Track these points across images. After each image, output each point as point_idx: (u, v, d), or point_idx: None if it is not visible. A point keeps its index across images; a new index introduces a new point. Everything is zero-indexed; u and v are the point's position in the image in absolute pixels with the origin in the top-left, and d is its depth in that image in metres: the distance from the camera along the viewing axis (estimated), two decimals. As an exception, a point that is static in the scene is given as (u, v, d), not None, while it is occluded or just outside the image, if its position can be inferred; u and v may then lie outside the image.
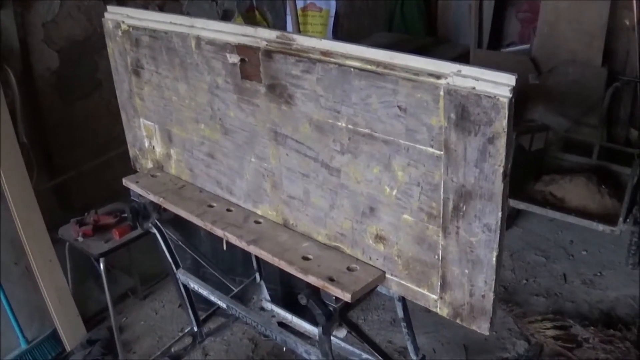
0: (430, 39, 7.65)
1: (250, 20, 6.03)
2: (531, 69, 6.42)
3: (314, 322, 2.73)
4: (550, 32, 6.57)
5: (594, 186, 5.13)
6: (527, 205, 5.01)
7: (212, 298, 3.33)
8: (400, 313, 3.09)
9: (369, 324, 4.52)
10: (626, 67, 6.39)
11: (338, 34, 6.69)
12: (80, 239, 4.10)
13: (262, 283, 3.83)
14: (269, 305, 3.79)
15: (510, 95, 1.73)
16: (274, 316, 3.72)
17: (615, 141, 6.34)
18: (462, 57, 6.96)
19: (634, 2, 6.07)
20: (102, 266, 4.02)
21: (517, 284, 4.95)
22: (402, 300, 3.01)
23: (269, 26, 6.21)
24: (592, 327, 4.33)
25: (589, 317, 4.54)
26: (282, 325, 3.53)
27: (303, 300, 2.37)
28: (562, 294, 4.83)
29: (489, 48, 7.43)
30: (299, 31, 5.78)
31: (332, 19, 6.49)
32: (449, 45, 7.58)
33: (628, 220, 4.70)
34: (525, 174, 5.36)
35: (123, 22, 2.91)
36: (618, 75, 6.20)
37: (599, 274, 5.06)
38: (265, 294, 3.84)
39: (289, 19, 6.15)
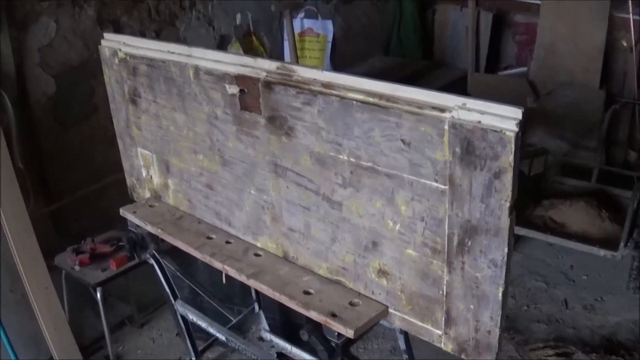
0: (428, 62, 7.63)
1: (247, 45, 6.02)
2: (529, 92, 6.43)
3: (314, 353, 2.68)
4: (548, 54, 6.57)
5: (594, 210, 5.09)
6: (528, 231, 4.97)
7: (211, 330, 3.29)
8: (403, 345, 3.04)
9: (369, 353, 4.49)
10: (624, 89, 6.39)
11: (335, 58, 6.67)
12: (77, 267, 4.08)
13: (261, 313, 3.78)
14: (268, 336, 3.74)
15: (517, 130, 1.70)
16: (273, 346, 3.67)
17: (614, 163, 6.32)
18: (460, 81, 6.96)
19: (631, 23, 6.07)
20: (99, 295, 3.99)
21: (518, 310, 4.91)
22: (405, 332, 2.97)
23: (265, 51, 6.19)
24: (594, 354, 4.30)
25: (591, 343, 4.50)
26: (282, 356, 3.49)
27: (305, 336, 2.34)
28: (564, 320, 4.80)
29: (486, 71, 7.43)
30: (296, 56, 5.77)
31: (330, 44, 6.47)
32: (446, 68, 7.56)
33: (629, 244, 4.66)
34: (525, 199, 5.32)
35: (120, 50, 2.87)
36: (616, 97, 6.19)
37: (600, 298, 5.03)
38: (264, 324, 3.79)
39: (286, 44, 6.13)
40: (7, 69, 4.37)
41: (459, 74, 7.20)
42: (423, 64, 7.43)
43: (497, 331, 1.97)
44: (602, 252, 4.73)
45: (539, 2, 6.65)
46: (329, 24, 6.50)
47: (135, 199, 3.30)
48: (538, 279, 5.29)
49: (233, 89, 2.40)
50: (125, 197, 3.33)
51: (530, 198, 5.38)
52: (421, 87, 1.93)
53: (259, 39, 6.18)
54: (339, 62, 6.83)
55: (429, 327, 2.17)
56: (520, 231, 5.03)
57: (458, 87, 6.76)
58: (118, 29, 5.07)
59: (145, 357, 4.61)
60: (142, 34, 5.27)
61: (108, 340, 4.24)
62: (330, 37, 6.49)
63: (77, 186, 4.83)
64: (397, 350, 4.08)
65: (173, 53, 2.65)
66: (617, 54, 6.36)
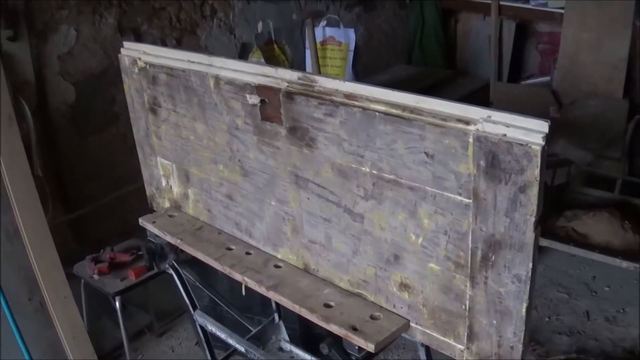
0: (450, 71, 7.61)
1: (268, 54, 6.00)
2: (552, 102, 6.37)
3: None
4: (571, 64, 6.53)
5: (617, 222, 5.03)
6: (550, 242, 4.92)
7: (231, 341, 3.26)
8: (423, 358, 3.01)
9: (389, 364, 4.47)
10: (647, 99, 6.34)
11: (357, 67, 6.65)
12: (95, 276, 4.08)
13: (281, 323, 3.75)
14: (288, 346, 3.71)
15: (543, 143, 1.67)
16: (292, 357, 3.64)
17: (638, 174, 6.26)
18: (482, 90, 6.94)
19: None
20: (117, 304, 3.98)
21: (540, 322, 4.86)
22: (426, 346, 2.94)
23: (287, 60, 6.18)
24: (616, 366, 4.26)
25: (613, 356, 4.46)
26: (300, 367, 3.47)
27: (325, 350, 2.32)
28: (585, 332, 4.76)
29: (508, 80, 7.40)
30: (318, 65, 5.75)
31: (352, 52, 6.45)
32: (469, 77, 7.55)
33: (652, 256, 4.62)
34: (548, 210, 5.28)
35: (139, 58, 2.86)
36: (639, 107, 6.13)
37: (622, 310, 4.98)
38: (284, 334, 3.76)
39: (308, 52, 6.12)
40: (27, 77, 4.37)
41: (482, 83, 7.19)
42: (445, 73, 7.42)
43: (520, 347, 1.94)
44: (624, 264, 4.67)
45: (562, 11, 6.61)
46: (351, 33, 6.49)
47: (155, 209, 3.28)
48: (560, 290, 5.24)
49: (254, 99, 2.37)
50: (145, 205, 3.32)
51: (553, 209, 5.33)
52: (444, 97, 1.89)
53: (281, 48, 6.16)
54: (361, 70, 6.82)
55: (450, 341, 2.13)
56: (543, 242, 4.98)
57: (480, 96, 6.74)
58: (139, 37, 5.07)
59: (164, 366, 4.59)
60: (163, 42, 5.27)
61: (126, 349, 4.23)
62: (352, 46, 6.47)
63: (96, 195, 4.83)
64: (417, 362, 4.06)
65: (193, 62, 2.63)
66: (641, 63, 6.31)
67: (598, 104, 6.13)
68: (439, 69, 7.65)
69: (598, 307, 5.03)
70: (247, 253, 2.72)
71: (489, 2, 7.07)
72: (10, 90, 3.96)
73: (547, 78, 7.15)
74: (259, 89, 2.35)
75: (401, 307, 2.24)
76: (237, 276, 2.60)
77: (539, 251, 1.81)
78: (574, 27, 6.51)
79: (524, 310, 1.87)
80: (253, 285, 2.54)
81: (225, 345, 3.82)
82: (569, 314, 4.97)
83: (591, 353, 4.47)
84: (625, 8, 6.14)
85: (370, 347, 2.15)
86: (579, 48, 6.44)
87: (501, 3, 7.08)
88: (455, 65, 8.00)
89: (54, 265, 4.02)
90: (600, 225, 5.02)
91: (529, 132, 1.69)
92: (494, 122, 1.75)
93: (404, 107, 1.94)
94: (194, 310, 3.36)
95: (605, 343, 4.63)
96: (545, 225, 5.14)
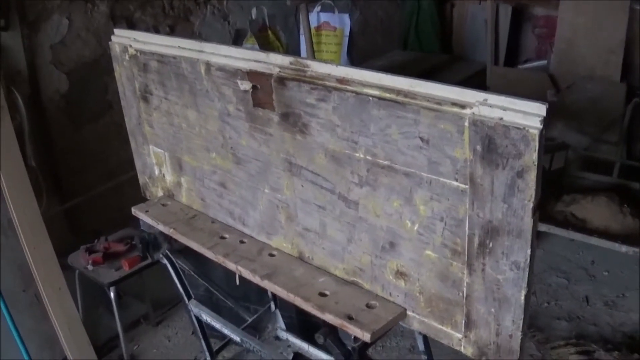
0: (446, 56, 7.60)
1: (263, 40, 5.97)
2: (549, 86, 6.35)
3: (331, 354, 2.63)
4: (568, 48, 6.50)
5: (616, 206, 5.01)
6: (549, 226, 4.89)
7: (226, 331, 3.25)
8: (421, 346, 2.99)
9: (387, 351, 4.44)
10: (645, 82, 6.31)
11: (352, 53, 6.62)
12: (90, 267, 4.05)
13: (277, 312, 3.74)
14: (285, 335, 3.70)
15: (541, 127, 1.64)
16: (289, 346, 3.63)
17: (636, 158, 6.24)
18: (479, 74, 6.91)
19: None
20: (112, 294, 3.95)
21: (539, 307, 4.84)
22: (424, 334, 2.91)
23: (282, 46, 6.14)
24: (616, 352, 4.23)
25: (612, 341, 4.44)
26: (298, 355, 3.44)
27: (320, 340, 2.29)
28: (585, 317, 4.73)
29: (505, 64, 7.38)
30: (313, 51, 5.71)
31: (347, 38, 6.41)
32: (465, 62, 7.53)
33: (651, 240, 4.60)
34: (546, 194, 5.25)
35: (130, 46, 2.82)
36: (637, 90, 6.10)
37: (621, 295, 4.96)
38: (281, 323, 3.74)
39: (302, 38, 6.07)
40: (19, 66, 4.34)
41: (478, 68, 7.17)
42: (441, 58, 7.41)
43: (519, 335, 1.91)
44: (623, 248, 4.65)
45: (558, -6, 6.58)
46: (346, 18, 6.45)
47: (148, 198, 3.25)
48: (559, 275, 5.22)
49: (245, 85, 2.34)
50: (140, 195, 3.29)
51: (551, 193, 5.31)
52: (440, 81, 1.86)
53: (275, 34, 6.13)
54: (357, 56, 6.79)
55: (448, 330, 2.11)
56: (541, 227, 4.95)
57: (477, 80, 6.72)
58: (132, 25, 5.04)
59: (160, 356, 4.57)
60: (156, 30, 5.24)
61: (122, 340, 4.21)
62: (347, 31, 6.43)
63: (90, 184, 4.80)
64: (415, 348, 4.05)
65: (184, 49, 2.59)
66: (638, 47, 6.27)
67: (595, 87, 6.11)
68: (435, 54, 7.64)
69: (597, 292, 5.02)
70: (241, 242, 2.69)
71: (485, -14, 7.05)
72: (2, 80, 3.93)
73: (544, 62, 7.13)
74: (251, 75, 2.31)
75: (397, 296, 2.21)
76: (231, 265, 2.57)
77: (537, 236, 1.78)
78: (571, 11, 6.49)
79: (522, 297, 1.84)
80: (247, 274, 2.51)
81: (222, 335, 3.80)
82: (568, 299, 4.95)
83: (591, 338, 4.44)
84: (622, -9, 6.12)
85: (366, 337, 2.12)
86: (576, 32, 6.41)
87: (497, -13, 7.07)
88: (451, 50, 7.98)
89: (48, 257, 3.99)
90: (598, 210, 5.00)
91: (527, 115, 1.65)
92: (490, 106, 1.71)
93: (397, 91, 1.90)
94: (189, 299, 3.34)
95: (604, 328, 4.62)
96: (543, 210, 5.11)
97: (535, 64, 7.35)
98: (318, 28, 6.40)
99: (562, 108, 5.99)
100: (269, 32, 6.09)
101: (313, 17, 6.28)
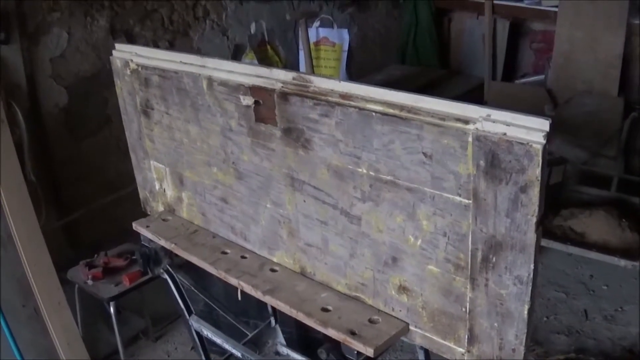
0: (444, 71, 7.60)
1: (262, 55, 5.98)
2: (547, 101, 6.37)
3: (332, 369, 2.63)
4: (566, 62, 6.52)
5: (614, 220, 5.03)
6: (547, 241, 4.90)
7: (227, 346, 3.24)
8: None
9: (387, 365, 4.44)
10: (642, 96, 6.33)
11: (351, 67, 6.64)
12: (89, 282, 4.05)
13: (278, 327, 3.73)
14: (285, 350, 3.69)
15: (544, 142, 1.64)
16: (289, 361, 3.63)
17: (634, 172, 6.25)
18: (477, 89, 6.93)
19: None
20: (112, 309, 3.95)
21: (538, 322, 4.84)
22: (425, 349, 2.91)
23: (281, 61, 6.16)
24: (615, 366, 4.24)
25: (612, 355, 4.44)
26: (298, 370, 3.45)
27: (323, 355, 2.28)
28: (584, 331, 4.73)
29: (503, 79, 7.39)
30: (312, 66, 5.73)
31: (346, 53, 6.44)
32: (463, 77, 7.54)
33: (649, 254, 4.60)
34: (544, 209, 5.25)
35: (131, 60, 2.82)
36: (635, 104, 6.12)
37: (620, 309, 4.96)
38: (281, 338, 3.74)
39: (301, 53, 6.11)
40: (18, 80, 4.35)
41: (476, 83, 7.17)
42: (439, 73, 7.40)
43: (522, 349, 1.91)
44: (622, 262, 4.67)
45: (556, 9, 6.60)
46: (345, 33, 6.48)
47: (149, 213, 3.24)
48: (558, 290, 5.22)
49: (248, 100, 2.34)
50: (140, 209, 3.28)
51: (550, 208, 5.31)
52: (440, 96, 1.86)
53: (274, 49, 6.15)
54: (355, 71, 6.81)
55: (451, 344, 2.10)
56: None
57: (475, 95, 6.72)
58: (131, 39, 5.05)
59: (160, 372, 4.56)
60: (156, 44, 5.25)
61: (122, 355, 4.20)
62: (346, 46, 6.46)
63: (90, 198, 4.80)
64: (415, 363, 4.04)
65: (186, 64, 2.59)
66: (635, 61, 6.30)
67: (593, 102, 6.12)
68: (433, 68, 7.63)
69: (596, 306, 5.01)
70: (243, 257, 2.68)
71: (483, 1, 7.05)
72: (2, 93, 3.94)
73: (542, 77, 7.14)
74: (253, 90, 2.31)
75: (400, 310, 2.21)
76: (233, 280, 2.56)
77: (538, 251, 1.79)
78: (568, 26, 6.51)
79: (525, 312, 1.84)
80: (249, 289, 2.50)
81: (221, 350, 3.78)
82: (567, 313, 4.95)
83: (590, 352, 4.45)
84: (620, 6, 6.14)
85: (369, 352, 2.12)
86: (574, 46, 6.43)
87: (495, 2, 7.07)
88: (449, 65, 7.98)
89: (47, 271, 3.99)
90: (597, 224, 5.02)
91: (530, 130, 1.66)
92: (494, 121, 1.71)
93: (401, 107, 1.91)
94: (189, 315, 3.33)
95: (604, 342, 4.61)
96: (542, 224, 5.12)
97: (533, 78, 7.36)
98: (317, 43, 6.43)
99: (560, 122, 5.99)
100: (268, 47, 6.11)
101: (312, 33, 6.31)
